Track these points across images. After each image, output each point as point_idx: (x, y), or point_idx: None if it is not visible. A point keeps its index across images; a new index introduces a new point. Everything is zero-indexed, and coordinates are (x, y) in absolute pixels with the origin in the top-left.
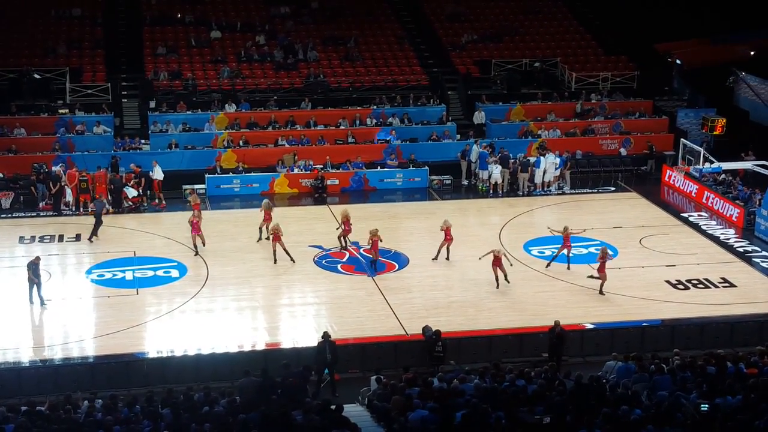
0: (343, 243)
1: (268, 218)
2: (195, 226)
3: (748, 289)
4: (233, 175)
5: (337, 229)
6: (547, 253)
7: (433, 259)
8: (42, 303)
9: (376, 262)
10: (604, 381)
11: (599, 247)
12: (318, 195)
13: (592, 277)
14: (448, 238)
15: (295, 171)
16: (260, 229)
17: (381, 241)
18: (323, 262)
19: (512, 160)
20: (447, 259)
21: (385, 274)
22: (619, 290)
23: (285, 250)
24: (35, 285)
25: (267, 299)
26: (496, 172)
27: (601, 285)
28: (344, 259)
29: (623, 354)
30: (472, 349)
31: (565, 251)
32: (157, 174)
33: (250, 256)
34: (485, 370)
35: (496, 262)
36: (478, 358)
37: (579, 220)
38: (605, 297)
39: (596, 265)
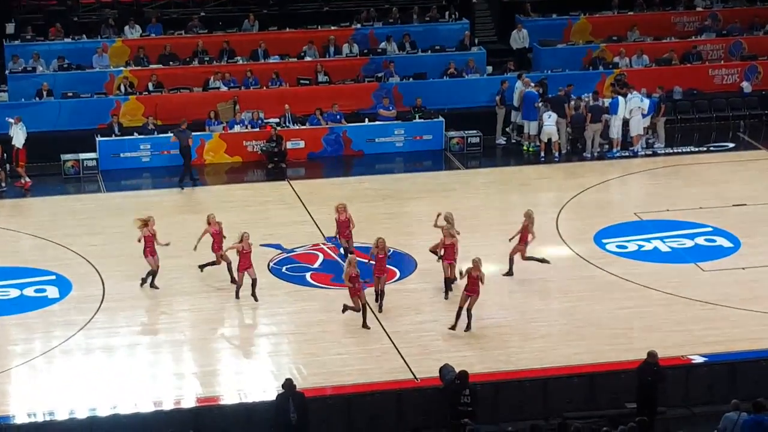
0: (344, 244)
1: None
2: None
3: None
4: (140, 137)
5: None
6: (632, 247)
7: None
8: None
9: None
10: None
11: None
12: (273, 165)
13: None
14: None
15: (236, 128)
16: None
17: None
18: (283, 269)
19: (573, 103)
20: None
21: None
22: (743, 303)
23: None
24: None
25: (197, 329)
26: (549, 123)
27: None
28: (316, 265)
29: (751, 401)
30: (517, 398)
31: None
32: (17, 138)
33: (169, 263)
34: (538, 430)
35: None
36: (526, 412)
37: (679, 195)
38: (718, 315)
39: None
